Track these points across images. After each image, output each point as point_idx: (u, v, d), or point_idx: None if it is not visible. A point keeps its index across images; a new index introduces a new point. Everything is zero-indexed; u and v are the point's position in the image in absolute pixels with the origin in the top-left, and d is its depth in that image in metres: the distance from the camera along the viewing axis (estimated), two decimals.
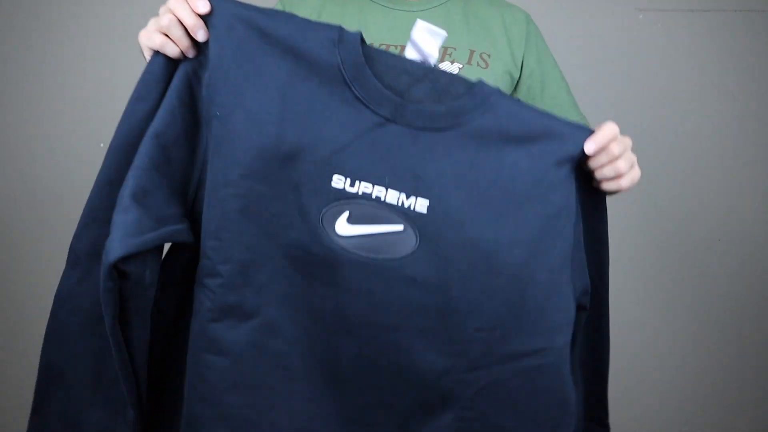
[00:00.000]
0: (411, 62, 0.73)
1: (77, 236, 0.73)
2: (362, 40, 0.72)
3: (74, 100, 1.70)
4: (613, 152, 0.75)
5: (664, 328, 1.82)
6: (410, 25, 0.80)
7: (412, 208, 0.71)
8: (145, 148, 0.71)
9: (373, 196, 0.71)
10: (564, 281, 0.75)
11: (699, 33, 1.70)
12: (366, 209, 0.71)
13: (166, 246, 0.75)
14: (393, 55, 0.73)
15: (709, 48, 1.71)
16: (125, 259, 0.66)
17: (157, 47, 0.72)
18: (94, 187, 0.73)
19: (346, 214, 0.71)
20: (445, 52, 1.02)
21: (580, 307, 0.78)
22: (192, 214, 0.74)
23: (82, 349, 0.73)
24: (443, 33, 0.73)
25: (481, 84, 0.72)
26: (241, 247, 0.72)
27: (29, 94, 1.70)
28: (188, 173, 0.74)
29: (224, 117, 0.71)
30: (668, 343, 1.83)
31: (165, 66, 0.73)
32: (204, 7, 0.70)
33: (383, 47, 0.97)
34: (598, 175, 0.76)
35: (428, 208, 0.71)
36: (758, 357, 1.85)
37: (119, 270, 0.67)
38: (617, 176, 0.76)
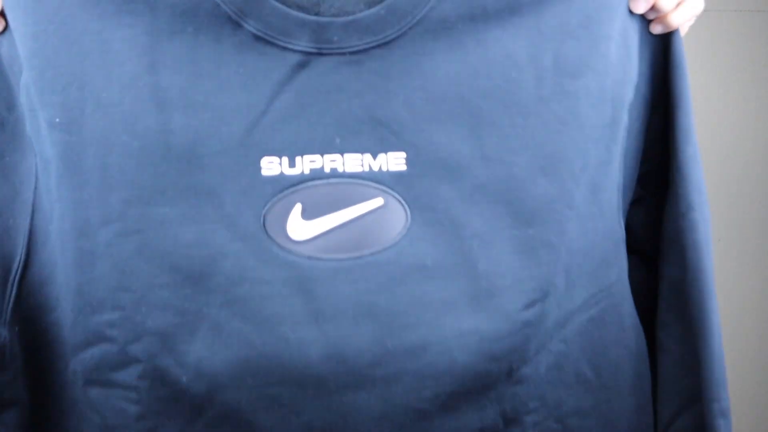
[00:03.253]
0: None
1: None
2: None
3: None
4: None
5: None
6: None
7: (384, 169, 0.49)
8: None
9: (327, 171, 0.48)
10: (610, 196, 0.54)
11: (699, 33, 1.63)
12: (323, 192, 0.48)
13: None
14: None
15: (709, 48, 1.63)
16: None
17: None
18: None
19: (297, 207, 0.48)
20: None
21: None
22: (22, 283, 0.51)
23: None
24: None
25: None
26: (157, 308, 0.48)
27: None
28: (8, 222, 0.51)
29: (70, 123, 0.47)
30: None
31: None
32: None
33: None
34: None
35: (407, 161, 0.49)
36: (758, 357, 1.76)
37: None
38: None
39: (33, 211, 0.50)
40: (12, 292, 0.50)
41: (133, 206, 0.47)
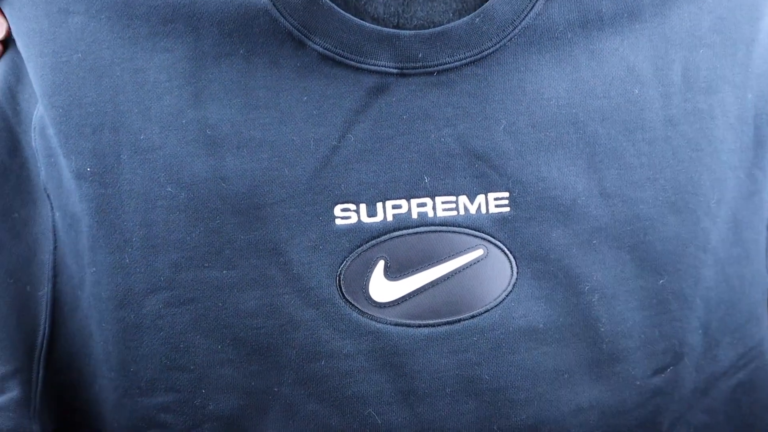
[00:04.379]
0: None
1: None
2: None
3: None
4: None
5: None
6: None
7: (484, 212, 0.40)
8: None
9: (415, 217, 0.40)
10: (756, 234, 0.45)
11: None
12: (411, 244, 0.40)
13: None
14: None
15: None
16: None
17: None
18: None
19: (380, 265, 0.40)
20: None
21: None
22: (49, 360, 0.43)
23: None
24: None
25: None
26: (219, 389, 0.41)
27: None
28: (24, 291, 0.43)
29: (103, 172, 0.39)
30: None
31: None
32: None
33: None
34: None
35: (510, 202, 0.40)
36: None
37: None
38: None
39: (54, 275, 0.42)
40: (39, 372, 0.42)
41: (183, 270, 0.39)
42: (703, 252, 0.42)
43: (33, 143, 0.41)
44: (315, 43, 0.39)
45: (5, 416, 0.41)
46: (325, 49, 0.39)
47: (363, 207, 0.39)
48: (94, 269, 0.40)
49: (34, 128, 0.41)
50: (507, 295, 0.40)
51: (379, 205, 0.39)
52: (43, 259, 0.42)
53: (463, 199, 0.40)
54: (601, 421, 0.42)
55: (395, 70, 0.39)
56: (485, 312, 0.40)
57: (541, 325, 0.41)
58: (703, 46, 0.41)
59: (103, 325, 0.41)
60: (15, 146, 0.42)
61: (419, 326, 0.40)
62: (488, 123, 0.40)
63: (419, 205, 0.40)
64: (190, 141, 0.39)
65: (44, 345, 0.42)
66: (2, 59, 0.42)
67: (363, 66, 0.39)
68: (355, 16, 0.39)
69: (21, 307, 0.42)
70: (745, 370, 0.46)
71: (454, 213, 0.40)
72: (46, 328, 0.42)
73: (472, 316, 0.40)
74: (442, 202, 0.40)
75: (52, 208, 0.42)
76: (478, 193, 0.40)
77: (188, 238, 0.39)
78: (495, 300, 0.40)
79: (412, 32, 0.39)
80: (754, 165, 0.43)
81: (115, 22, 0.39)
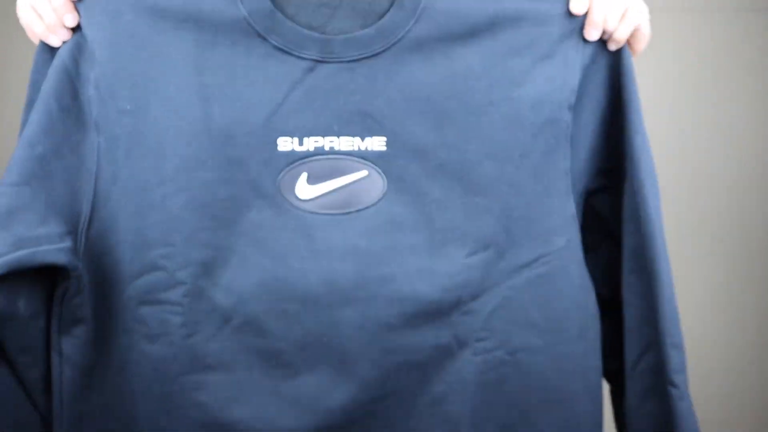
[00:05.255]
0: None
1: None
2: None
3: None
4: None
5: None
6: None
7: (369, 149, 0.66)
8: (17, 159, 0.64)
9: (326, 149, 0.65)
10: (555, 178, 0.69)
11: (699, 33, 1.64)
12: (323, 165, 0.65)
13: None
14: None
15: (709, 48, 1.66)
16: None
17: (24, 24, 0.66)
18: None
19: (303, 175, 0.65)
20: None
21: (593, 193, 0.71)
22: (88, 232, 0.67)
23: None
24: None
25: None
26: (199, 245, 0.65)
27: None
28: (75, 187, 0.67)
29: (137, 110, 0.64)
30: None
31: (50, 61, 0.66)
32: None
33: None
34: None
35: (386, 144, 0.66)
36: (758, 358, 1.81)
37: None
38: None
39: (96, 179, 0.66)
40: (81, 240, 0.66)
41: (182, 172, 0.64)
42: (508, 186, 0.67)
43: (89, 93, 0.65)
44: (272, 39, 0.64)
45: (64, 255, 0.64)
46: (279, 43, 0.64)
47: (296, 140, 0.65)
48: (125, 170, 0.65)
49: (92, 83, 0.65)
50: (379, 200, 0.66)
51: (305, 139, 0.65)
52: (90, 167, 0.66)
53: (356, 140, 0.65)
54: (433, 279, 0.66)
55: (320, 59, 0.64)
56: (365, 208, 0.66)
57: (399, 219, 0.66)
58: (518, 56, 0.66)
59: (128, 206, 0.65)
60: (75, 94, 0.66)
61: (324, 214, 0.65)
62: (375, 94, 0.65)
63: (330, 142, 0.65)
64: (192, 94, 0.64)
65: (85, 225, 0.66)
66: (71, 39, 0.66)
67: (301, 56, 0.65)
68: (297, 26, 0.64)
69: (74, 194, 0.67)
70: (546, 266, 0.68)
71: (351, 148, 0.65)
72: (88, 214, 0.66)
73: (358, 210, 0.66)
74: (344, 141, 0.65)
75: (98, 134, 0.66)
76: (366, 137, 0.65)
77: (186, 152, 0.64)
78: (372, 202, 0.66)
79: (332, 36, 0.64)
80: (551, 134, 0.67)
81: (150, 20, 0.64)
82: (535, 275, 0.68)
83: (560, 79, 0.67)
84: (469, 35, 0.66)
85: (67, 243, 0.65)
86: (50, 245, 0.63)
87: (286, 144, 0.65)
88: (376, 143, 0.65)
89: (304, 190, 0.65)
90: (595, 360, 0.70)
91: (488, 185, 0.67)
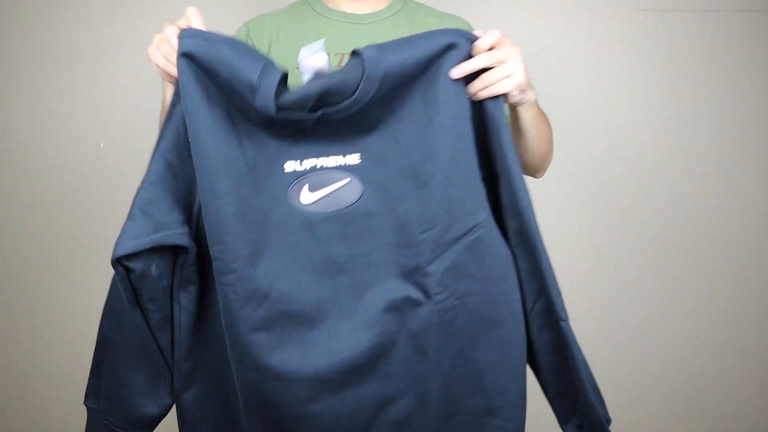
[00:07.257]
0: (309, 86, 0.86)
1: None
2: (283, 77, 0.89)
3: (74, 100, 1.73)
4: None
5: (662, 329, 1.84)
6: (362, 35, 1.03)
7: (349, 163, 0.93)
8: (155, 164, 0.91)
9: (319, 167, 0.93)
10: (473, 169, 0.94)
11: (699, 33, 1.69)
12: (318, 177, 0.93)
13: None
14: (297, 90, 0.87)
15: (709, 48, 1.69)
16: (130, 256, 0.88)
17: (155, 65, 0.93)
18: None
19: (306, 186, 0.93)
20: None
21: (489, 179, 0.97)
22: (198, 222, 0.94)
23: (125, 324, 0.96)
24: (318, 43, 0.91)
25: (366, 65, 0.85)
26: (243, 243, 0.92)
27: (29, 93, 1.73)
28: (191, 186, 0.93)
29: (198, 139, 0.90)
30: (668, 344, 1.85)
31: None
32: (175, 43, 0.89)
33: (338, 56, 1.13)
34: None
35: (360, 158, 0.93)
36: (758, 358, 1.86)
37: (124, 265, 0.89)
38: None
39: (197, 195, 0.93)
40: (194, 227, 0.95)
41: (231, 189, 0.91)
42: (443, 177, 0.92)
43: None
44: (281, 115, 0.89)
45: (185, 239, 0.92)
46: (286, 115, 0.89)
47: (297, 162, 0.92)
48: (197, 183, 0.90)
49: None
50: (359, 198, 0.93)
51: (305, 161, 0.92)
52: (192, 192, 0.94)
53: (339, 157, 0.93)
54: (399, 249, 0.94)
55: (318, 115, 0.89)
56: (348, 206, 0.93)
57: (373, 210, 0.94)
58: (436, 91, 0.91)
59: (205, 212, 0.91)
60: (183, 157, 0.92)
61: (322, 212, 0.93)
62: (351, 130, 0.92)
63: (321, 161, 0.93)
64: (233, 150, 0.90)
65: (197, 213, 0.94)
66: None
67: (300, 119, 0.90)
68: (294, 112, 0.88)
69: (189, 193, 0.93)
70: (476, 233, 0.95)
71: (336, 163, 0.93)
72: (198, 207, 0.93)
73: (345, 207, 0.93)
74: (331, 159, 0.93)
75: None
76: (347, 154, 0.93)
77: (231, 175, 0.90)
78: (354, 200, 0.93)
79: (324, 108, 0.89)
80: (459, 135, 0.93)
81: (206, 105, 0.89)
82: (470, 241, 0.95)
83: (458, 103, 0.92)
84: (410, 77, 0.92)
85: (186, 229, 0.93)
86: (176, 230, 0.90)
87: (290, 165, 0.93)
88: (354, 158, 0.93)
89: (307, 196, 0.93)
90: (515, 294, 0.98)
91: (429, 178, 0.93)
